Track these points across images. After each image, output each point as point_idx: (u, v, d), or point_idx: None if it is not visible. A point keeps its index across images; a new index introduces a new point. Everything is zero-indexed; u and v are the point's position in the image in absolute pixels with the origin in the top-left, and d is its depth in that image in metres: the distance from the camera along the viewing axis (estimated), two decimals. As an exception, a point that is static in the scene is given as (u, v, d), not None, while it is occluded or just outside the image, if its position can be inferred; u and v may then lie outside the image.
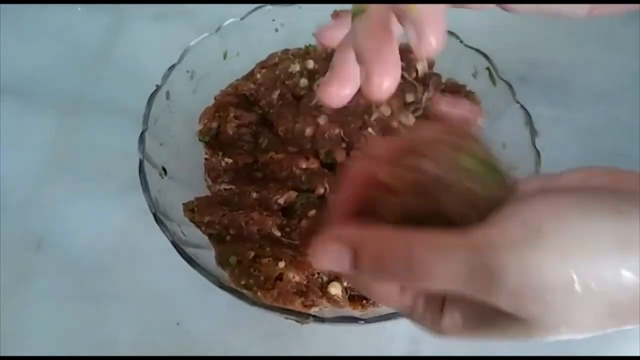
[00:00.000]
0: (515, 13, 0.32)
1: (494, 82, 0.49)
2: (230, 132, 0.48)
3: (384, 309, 0.39)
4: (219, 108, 0.49)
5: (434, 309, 0.26)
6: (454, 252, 0.22)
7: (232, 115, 0.48)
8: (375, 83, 0.28)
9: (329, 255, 0.26)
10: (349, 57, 0.31)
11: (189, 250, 0.39)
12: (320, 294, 0.40)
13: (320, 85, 0.34)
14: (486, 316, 0.24)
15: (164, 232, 0.39)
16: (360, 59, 0.29)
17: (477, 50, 0.49)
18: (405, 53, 0.31)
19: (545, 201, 0.23)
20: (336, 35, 0.34)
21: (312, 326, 0.38)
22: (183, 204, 0.44)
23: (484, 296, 0.22)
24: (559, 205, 0.22)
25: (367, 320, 0.37)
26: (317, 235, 0.26)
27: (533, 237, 0.22)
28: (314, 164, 0.45)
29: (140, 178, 0.41)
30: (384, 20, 0.28)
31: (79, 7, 0.64)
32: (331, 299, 0.40)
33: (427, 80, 0.48)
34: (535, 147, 0.44)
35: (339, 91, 0.33)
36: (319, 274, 0.40)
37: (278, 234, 0.42)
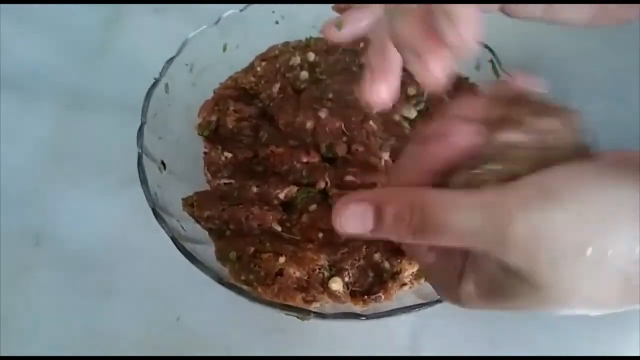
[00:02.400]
0: (517, 18, 0.32)
1: (497, 75, 0.48)
2: (230, 126, 0.47)
3: (385, 305, 0.39)
4: (219, 101, 0.49)
5: (452, 275, 0.26)
6: (467, 208, 0.23)
7: (231, 108, 0.47)
8: (435, 70, 0.28)
9: (352, 216, 0.26)
10: (387, 53, 0.31)
11: (188, 246, 0.38)
12: (321, 289, 0.39)
13: (365, 87, 0.34)
14: (500, 284, 0.24)
15: (162, 227, 0.39)
16: (411, 52, 0.28)
17: (482, 44, 0.48)
18: None
19: (566, 167, 0.23)
20: (347, 31, 0.34)
21: (313, 322, 0.38)
22: (182, 199, 0.43)
23: (494, 252, 0.23)
24: (577, 172, 0.23)
25: (369, 317, 0.37)
26: (338, 201, 0.27)
27: (546, 197, 0.22)
28: (314, 158, 0.45)
29: (139, 172, 0.41)
30: (422, 13, 0.28)
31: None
32: (332, 295, 0.39)
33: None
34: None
35: (388, 88, 0.33)
36: (319, 269, 0.40)
37: (278, 229, 0.42)
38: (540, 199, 0.22)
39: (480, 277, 0.25)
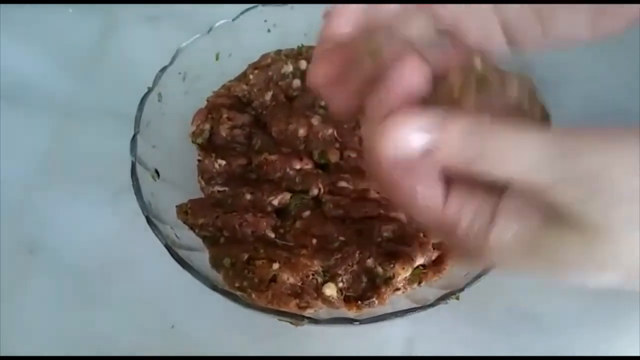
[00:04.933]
0: (524, 49, 0.32)
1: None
2: (223, 134, 0.47)
3: (379, 310, 0.39)
4: (212, 110, 0.49)
5: (484, 216, 0.24)
6: (536, 140, 0.22)
7: (225, 116, 0.48)
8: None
9: (407, 131, 0.23)
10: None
11: (182, 253, 0.39)
12: (315, 295, 0.40)
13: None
14: (543, 232, 0.23)
15: (156, 234, 0.39)
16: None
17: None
18: None
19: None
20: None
21: (308, 328, 0.38)
22: (176, 207, 0.44)
23: (553, 189, 0.22)
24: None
25: (362, 321, 0.37)
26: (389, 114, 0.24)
27: (612, 141, 0.21)
28: (307, 165, 0.45)
29: (133, 181, 0.41)
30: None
31: (70, 9, 0.64)
32: (326, 300, 0.40)
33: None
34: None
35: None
36: (313, 275, 0.40)
37: (272, 235, 0.42)
38: (606, 142, 0.21)
39: (522, 223, 0.24)
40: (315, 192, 0.44)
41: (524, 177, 0.22)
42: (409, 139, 0.23)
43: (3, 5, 0.63)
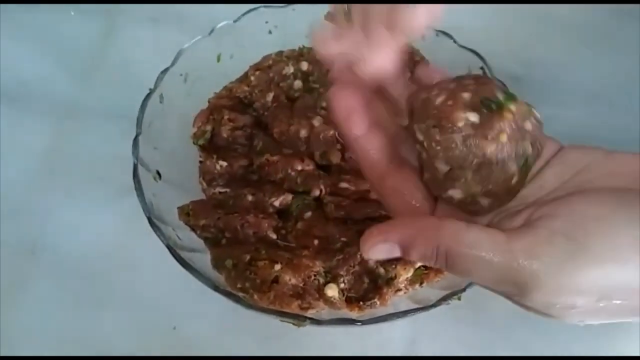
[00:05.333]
0: None
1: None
2: (225, 135, 0.48)
3: (381, 311, 0.39)
4: (213, 111, 0.49)
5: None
6: (491, 260, 0.25)
7: (226, 118, 0.48)
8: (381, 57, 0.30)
9: (379, 250, 0.28)
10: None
11: (184, 254, 0.39)
12: (317, 296, 0.40)
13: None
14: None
15: (158, 236, 0.39)
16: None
17: (471, 50, 0.49)
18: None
19: (589, 208, 0.25)
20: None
21: (310, 329, 0.38)
22: (178, 208, 0.44)
23: (514, 299, 0.26)
24: (602, 214, 0.25)
25: (364, 322, 0.37)
26: (367, 231, 0.29)
27: (577, 252, 0.24)
28: (309, 166, 0.45)
29: (135, 182, 0.41)
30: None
31: (72, 11, 0.64)
32: (328, 301, 0.40)
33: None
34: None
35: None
36: (315, 275, 0.40)
37: (274, 236, 0.42)
38: (573, 254, 0.24)
39: None
40: (316, 193, 0.44)
41: (489, 288, 0.27)
42: (377, 256, 0.29)
43: (4, 6, 0.63)
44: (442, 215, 0.30)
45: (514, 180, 0.28)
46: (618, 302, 0.25)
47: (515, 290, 0.26)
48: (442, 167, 0.28)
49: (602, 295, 0.25)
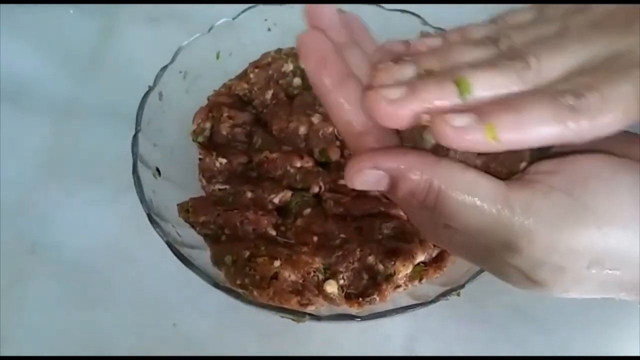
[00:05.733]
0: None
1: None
2: (224, 132, 0.48)
3: (380, 307, 0.39)
4: (213, 108, 0.49)
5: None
6: (488, 203, 0.24)
7: (225, 115, 0.48)
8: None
9: (366, 178, 0.26)
10: None
11: (184, 251, 0.39)
12: (316, 292, 0.40)
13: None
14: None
15: (158, 232, 0.39)
16: None
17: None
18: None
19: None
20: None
21: (310, 326, 0.38)
22: (178, 205, 0.44)
23: (497, 256, 0.25)
24: (604, 173, 0.24)
25: (364, 318, 0.37)
26: (354, 157, 0.26)
27: (575, 209, 0.23)
28: (308, 163, 0.45)
29: (134, 179, 0.41)
30: None
31: (71, 10, 0.64)
32: (327, 297, 0.40)
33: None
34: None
35: None
36: (314, 272, 0.40)
37: (273, 233, 0.42)
38: (568, 214, 0.23)
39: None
40: (316, 189, 0.44)
41: (474, 238, 0.25)
42: (361, 186, 0.26)
43: (4, 6, 0.63)
44: None
45: (522, 165, 0.26)
46: (609, 271, 0.24)
47: (502, 245, 0.24)
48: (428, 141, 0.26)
49: (595, 259, 0.23)
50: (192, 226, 0.43)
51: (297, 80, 0.50)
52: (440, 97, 0.24)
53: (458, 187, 0.24)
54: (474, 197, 0.24)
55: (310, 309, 0.39)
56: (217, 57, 0.51)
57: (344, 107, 0.26)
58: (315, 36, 0.27)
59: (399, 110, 0.24)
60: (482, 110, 0.23)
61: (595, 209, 0.23)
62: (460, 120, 0.23)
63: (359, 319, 0.37)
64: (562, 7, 0.27)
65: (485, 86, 0.24)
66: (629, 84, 0.23)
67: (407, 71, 0.25)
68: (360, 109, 0.26)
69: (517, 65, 0.24)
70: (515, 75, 0.24)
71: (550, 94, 0.23)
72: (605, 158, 0.24)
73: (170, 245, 0.38)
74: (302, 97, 0.49)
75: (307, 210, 0.43)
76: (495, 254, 0.25)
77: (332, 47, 0.27)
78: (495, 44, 0.26)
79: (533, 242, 0.23)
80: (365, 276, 0.41)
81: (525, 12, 0.28)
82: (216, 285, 0.37)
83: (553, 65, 0.24)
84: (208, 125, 0.48)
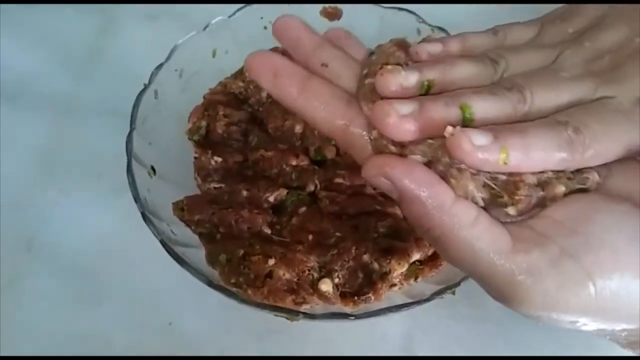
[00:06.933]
0: None
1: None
2: (220, 131, 0.47)
3: (375, 305, 0.39)
4: (208, 107, 0.49)
5: None
6: (490, 261, 0.24)
7: (221, 113, 0.48)
8: None
9: (382, 183, 0.25)
10: None
11: (178, 249, 0.38)
12: (311, 291, 0.40)
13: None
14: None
15: (152, 231, 0.39)
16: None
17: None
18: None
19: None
20: None
21: (306, 325, 0.38)
22: (172, 203, 0.44)
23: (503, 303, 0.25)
24: (620, 243, 0.24)
25: (358, 316, 0.36)
26: (384, 157, 0.26)
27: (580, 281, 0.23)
28: (304, 161, 0.45)
29: (128, 178, 0.41)
30: None
31: (69, 9, 0.64)
32: (322, 296, 0.39)
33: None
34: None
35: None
36: (309, 270, 0.40)
37: (268, 231, 0.42)
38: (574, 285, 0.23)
39: None
40: (311, 188, 0.44)
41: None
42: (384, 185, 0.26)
43: (2, 5, 0.63)
44: None
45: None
46: (598, 324, 0.24)
47: (496, 290, 0.24)
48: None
49: (586, 319, 0.24)
50: (187, 225, 0.43)
51: (293, 79, 0.50)
52: (446, 118, 0.25)
53: (460, 243, 0.24)
54: (477, 251, 0.24)
55: (305, 307, 0.39)
56: (213, 55, 0.51)
57: (318, 107, 0.27)
58: (261, 54, 0.28)
59: (407, 124, 0.25)
60: (495, 131, 0.24)
61: (602, 275, 0.23)
62: (481, 139, 0.24)
63: (354, 318, 0.37)
64: (559, 34, 0.29)
65: (484, 112, 0.25)
66: (620, 126, 0.25)
67: (411, 79, 0.26)
68: (334, 103, 0.27)
69: (514, 97, 0.26)
70: (511, 106, 0.26)
71: (550, 122, 0.25)
72: (627, 217, 0.24)
73: (164, 243, 0.38)
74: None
75: (303, 209, 0.43)
76: (486, 288, 0.25)
77: (283, 58, 0.27)
78: (494, 65, 0.27)
79: (529, 299, 0.24)
80: (361, 274, 0.40)
81: (525, 29, 0.30)
82: (210, 284, 0.37)
83: (546, 101, 0.26)
84: (204, 123, 0.48)
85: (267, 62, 0.27)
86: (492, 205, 0.25)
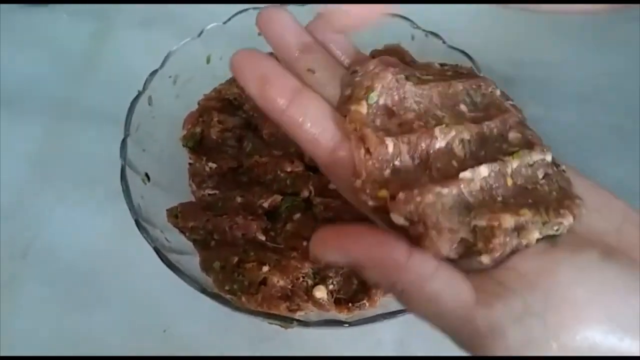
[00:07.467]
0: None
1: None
2: (214, 137, 0.47)
3: (370, 312, 0.39)
4: (203, 113, 0.49)
5: None
6: (450, 318, 0.23)
7: (215, 119, 0.48)
8: None
9: (331, 256, 0.24)
10: None
11: (173, 257, 0.38)
12: (306, 297, 0.39)
13: None
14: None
15: (145, 238, 0.39)
16: None
17: (461, 51, 0.49)
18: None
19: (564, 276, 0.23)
20: None
21: (301, 331, 0.38)
22: (167, 210, 0.43)
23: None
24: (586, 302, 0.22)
25: (352, 323, 0.36)
26: (322, 231, 0.25)
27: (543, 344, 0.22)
28: (298, 167, 0.45)
29: (122, 185, 0.41)
30: None
31: (64, 14, 0.64)
32: (317, 303, 0.39)
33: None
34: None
35: None
36: (303, 277, 0.40)
37: (262, 238, 0.42)
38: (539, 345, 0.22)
39: None
40: (306, 194, 0.44)
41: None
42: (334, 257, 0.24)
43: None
44: None
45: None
46: None
47: (466, 348, 0.23)
48: None
49: None
50: (181, 231, 0.43)
51: (287, 84, 0.50)
52: None
53: (423, 296, 0.23)
54: (440, 304, 0.23)
55: (299, 314, 0.39)
56: (208, 61, 0.51)
57: (305, 124, 0.25)
58: (249, 54, 0.26)
59: None
60: None
61: (564, 334, 0.22)
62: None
63: (348, 325, 0.36)
64: None
65: None
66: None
67: None
68: (325, 121, 0.24)
69: None
70: None
71: None
72: (589, 268, 0.23)
73: (157, 251, 0.38)
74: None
75: (297, 215, 0.43)
76: (452, 340, 0.24)
77: (272, 62, 0.25)
78: None
79: (493, 353, 0.22)
80: (355, 281, 0.40)
81: None
82: (204, 291, 0.37)
83: None
84: (198, 129, 0.48)
85: (255, 66, 0.25)
86: (466, 254, 0.24)
